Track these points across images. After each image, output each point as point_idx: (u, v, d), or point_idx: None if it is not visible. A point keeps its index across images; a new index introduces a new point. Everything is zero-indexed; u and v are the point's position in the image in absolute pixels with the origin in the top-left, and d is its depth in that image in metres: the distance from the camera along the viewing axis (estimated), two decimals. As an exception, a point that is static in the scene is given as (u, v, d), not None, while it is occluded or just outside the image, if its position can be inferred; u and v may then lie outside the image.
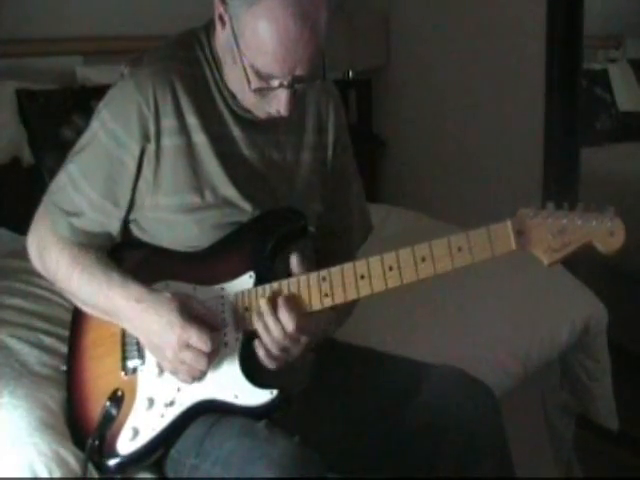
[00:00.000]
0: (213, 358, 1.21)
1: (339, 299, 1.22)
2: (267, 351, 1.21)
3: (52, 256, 1.32)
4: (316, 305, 1.22)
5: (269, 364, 1.22)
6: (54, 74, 2.58)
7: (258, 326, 1.21)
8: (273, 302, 1.20)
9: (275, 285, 1.24)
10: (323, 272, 1.22)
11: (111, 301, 1.26)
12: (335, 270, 1.22)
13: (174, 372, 1.23)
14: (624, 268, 2.82)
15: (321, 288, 1.22)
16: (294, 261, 1.24)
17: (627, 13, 3.32)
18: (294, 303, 1.21)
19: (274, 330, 1.19)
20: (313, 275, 1.22)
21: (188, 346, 1.18)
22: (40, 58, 2.63)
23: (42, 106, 2.37)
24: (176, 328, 1.18)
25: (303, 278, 1.23)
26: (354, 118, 3.56)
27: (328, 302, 1.22)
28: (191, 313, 1.20)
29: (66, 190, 1.31)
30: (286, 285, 1.23)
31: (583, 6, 2.73)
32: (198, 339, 1.18)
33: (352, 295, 1.21)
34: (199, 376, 1.22)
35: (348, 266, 1.21)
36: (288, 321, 1.18)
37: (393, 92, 3.55)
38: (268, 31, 1.14)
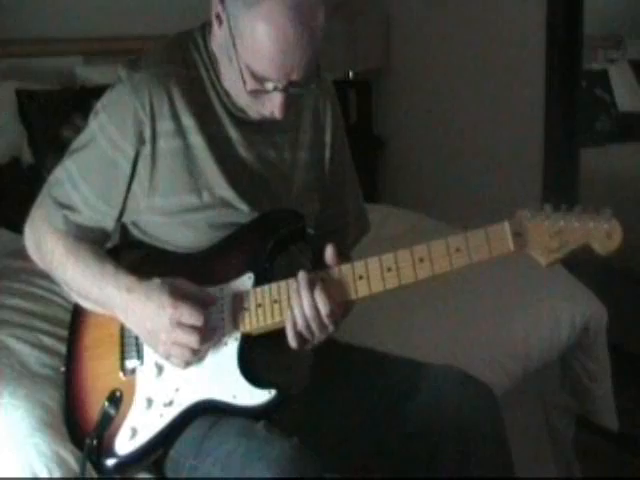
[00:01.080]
0: (206, 338, 1.21)
1: (337, 300, 1.21)
2: (294, 325, 1.21)
3: (48, 246, 1.33)
4: None
5: (292, 342, 1.22)
6: (54, 74, 2.59)
7: (293, 300, 1.21)
8: (311, 283, 1.20)
9: (275, 287, 1.24)
10: (321, 273, 1.22)
11: (103, 291, 1.27)
12: (333, 271, 1.22)
13: (168, 356, 1.23)
14: (624, 268, 2.82)
15: (319, 289, 1.22)
16: (329, 252, 1.23)
17: (627, 13, 3.32)
18: (332, 289, 1.20)
19: (307, 307, 1.19)
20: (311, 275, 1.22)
21: (180, 324, 1.19)
22: (40, 58, 2.63)
23: (42, 106, 2.38)
24: (168, 308, 1.19)
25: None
26: (354, 118, 3.56)
27: None
28: (181, 293, 1.21)
29: (63, 185, 1.32)
30: (285, 286, 1.23)
31: (583, 6, 2.73)
32: (189, 315, 1.18)
33: (350, 296, 1.21)
34: (192, 358, 1.22)
35: (346, 267, 1.21)
36: (323, 303, 1.18)
37: (393, 92, 3.56)
38: (266, 35, 1.15)
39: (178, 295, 1.20)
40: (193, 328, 1.19)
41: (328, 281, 1.21)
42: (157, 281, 1.23)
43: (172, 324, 1.19)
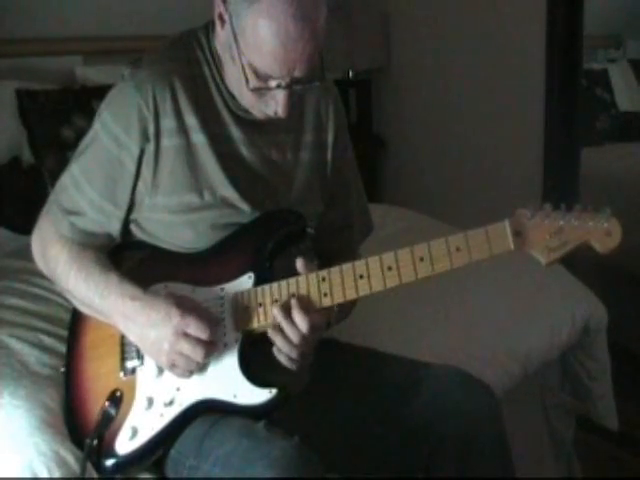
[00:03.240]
0: (211, 351, 1.21)
1: (338, 299, 1.22)
2: (287, 356, 1.21)
3: (53, 253, 1.33)
4: (316, 304, 1.23)
5: (290, 366, 1.23)
6: (54, 74, 2.58)
7: (275, 336, 1.21)
8: (285, 306, 1.21)
9: (275, 286, 1.24)
10: (322, 272, 1.23)
11: (106, 300, 1.26)
12: (334, 270, 1.22)
13: (171, 366, 1.23)
14: (624, 268, 2.82)
15: (320, 288, 1.22)
16: (299, 264, 1.23)
17: (627, 13, 3.32)
18: (305, 303, 1.21)
19: (291, 334, 1.19)
20: (312, 275, 1.23)
21: (186, 335, 1.19)
22: (40, 58, 2.63)
23: (42, 106, 2.37)
24: (174, 318, 1.19)
25: (302, 279, 1.23)
26: (354, 118, 3.56)
27: (327, 302, 1.22)
28: (188, 306, 1.21)
29: (68, 190, 1.32)
30: (285, 286, 1.23)
31: (583, 6, 2.73)
32: (196, 327, 1.18)
33: (351, 295, 1.22)
34: (196, 368, 1.22)
35: (347, 266, 1.22)
36: (302, 322, 1.19)
37: (393, 92, 3.56)
38: (268, 31, 1.14)
39: (185, 307, 1.20)
40: (198, 341, 1.19)
41: (300, 294, 1.21)
42: (163, 292, 1.23)
43: (177, 334, 1.19)
